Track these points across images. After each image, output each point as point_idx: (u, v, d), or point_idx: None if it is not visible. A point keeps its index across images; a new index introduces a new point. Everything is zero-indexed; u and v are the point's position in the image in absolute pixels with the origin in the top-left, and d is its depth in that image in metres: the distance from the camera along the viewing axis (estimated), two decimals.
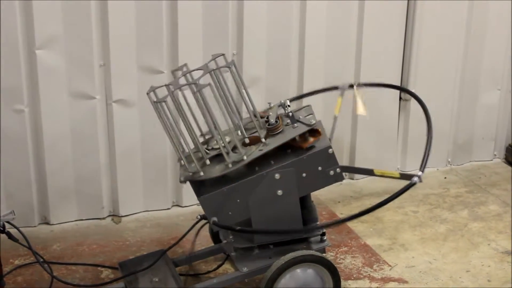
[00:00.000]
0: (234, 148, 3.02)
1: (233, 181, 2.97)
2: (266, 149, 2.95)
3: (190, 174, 2.99)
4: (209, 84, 2.87)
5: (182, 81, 3.07)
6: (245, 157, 2.92)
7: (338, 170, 3.02)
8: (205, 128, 3.21)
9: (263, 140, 2.96)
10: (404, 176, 2.92)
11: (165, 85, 2.99)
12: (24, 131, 3.80)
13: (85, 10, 3.72)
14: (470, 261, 3.64)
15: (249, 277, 3.10)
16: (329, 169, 3.01)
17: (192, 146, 3.07)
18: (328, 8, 4.25)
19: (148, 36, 3.88)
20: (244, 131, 3.04)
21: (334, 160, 3.01)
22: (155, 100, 2.95)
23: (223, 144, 2.94)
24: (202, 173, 2.97)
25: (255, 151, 2.96)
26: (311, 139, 3.04)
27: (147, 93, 3.01)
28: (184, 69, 3.13)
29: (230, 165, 2.93)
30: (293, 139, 3.01)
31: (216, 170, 2.97)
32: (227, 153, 2.94)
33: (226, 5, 4.00)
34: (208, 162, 3.02)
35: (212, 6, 3.96)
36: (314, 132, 3.07)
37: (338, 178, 3.04)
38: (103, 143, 3.99)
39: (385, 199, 2.86)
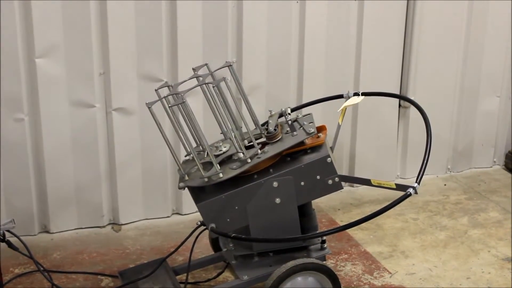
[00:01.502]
0: (231, 156, 3.04)
1: (232, 188, 2.98)
2: (264, 156, 2.96)
3: (205, 179, 3.00)
4: (183, 102, 2.88)
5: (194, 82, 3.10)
6: (221, 175, 2.92)
7: (336, 179, 3.02)
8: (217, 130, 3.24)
9: (248, 161, 2.95)
10: (400, 187, 2.93)
11: (168, 86, 3.00)
12: (24, 139, 3.80)
13: (84, 18, 3.73)
14: (470, 268, 3.64)
15: (249, 285, 3.09)
16: (327, 178, 3.01)
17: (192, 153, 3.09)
18: (328, 15, 4.26)
19: (147, 44, 3.89)
20: (239, 143, 3.02)
21: (332, 169, 3.01)
22: (155, 100, 2.97)
23: (197, 163, 2.96)
24: (187, 178, 3.00)
25: (254, 159, 2.95)
26: (322, 135, 3.07)
27: (156, 89, 3.03)
28: (202, 70, 3.15)
29: (205, 179, 2.94)
30: (302, 142, 3.02)
31: (229, 171, 2.96)
32: (231, 156, 2.97)
33: (226, 13, 4.01)
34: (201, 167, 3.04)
35: (212, 14, 3.97)
36: (320, 129, 3.12)
37: (336, 187, 3.04)
38: (103, 152, 3.99)
39: (378, 210, 2.85)
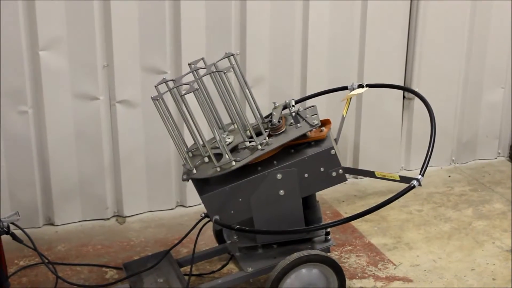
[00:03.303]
0: (236, 148, 3.03)
1: (236, 180, 2.98)
2: (268, 148, 2.95)
3: (186, 170, 3.00)
4: (197, 89, 2.88)
5: (191, 77, 3.08)
6: (233, 163, 2.92)
7: (340, 171, 3.01)
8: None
9: (259, 147, 2.96)
10: (404, 179, 2.92)
11: (172, 80, 2.99)
12: (28, 132, 3.80)
13: (88, 11, 3.73)
14: (474, 260, 3.63)
15: (253, 277, 3.10)
16: (331, 170, 3.01)
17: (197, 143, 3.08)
18: (331, 8, 4.25)
19: (151, 36, 3.88)
20: (243, 134, 3.03)
21: (336, 161, 3.00)
22: (158, 94, 2.96)
23: (208, 151, 2.95)
24: (194, 171, 2.99)
25: (258, 151, 2.95)
26: (325, 129, 3.06)
27: (155, 86, 3.01)
28: (200, 63, 3.13)
29: (218, 169, 2.93)
30: (304, 135, 3.01)
31: (210, 171, 2.97)
32: (219, 155, 2.96)
33: (229, 5, 4.00)
34: (206, 160, 3.03)
35: (215, 7, 3.96)
36: (325, 122, 3.11)
37: (340, 179, 3.03)
38: (107, 144, 3.99)
39: (382, 202, 2.84)
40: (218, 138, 2.94)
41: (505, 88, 4.90)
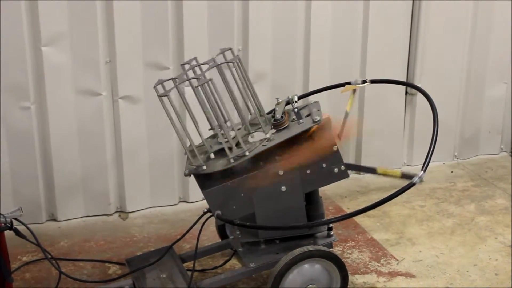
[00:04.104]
0: (238, 144, 3.03)
1: (238, 175, 2.98)
2: (270, 144, 2.95)
3: (194, 167, 3.00)
4: (211, 80, 2.87)
5: (190, 75, 3.07)
6: (247, 153, 2.92)
7: (342, 167, 3.01)
8: (213, 122, 3.21)
9: (267, 136, 2.96)
10: (405, 176, 2.92)
11: (172, 79, 2.98)
12: (30, 128, 3.81)
13: (90, 6, 3.73)
14: (477, 255, 3.63)
15: (256, 273, 3.10)
16: (333, 166, 3.01)
17: (199, 140, 3.08)
18: (334, 3, 4.25)
19: (153, 32, 3.88)
20: (249, 126, 3.04)
21: (338, 158, 3.00)
22: (160, 93, 2.95)
23: (226, 139, 2.94)
24: (205, 167, 2.98)
25: (259, 146, 2.96)
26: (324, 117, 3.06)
27: (154, 86, 3.00)
28: (193, 62, 3.13)
29: (232, 160, 2.93)
30: (307, 131, 3.01)
31: (219, 164, 2.97)
32: (230, 148, 2.95)
33: (232, 1, 4.00)
34: (212, 156, 3.03)
35: (218, 2, 3.96)
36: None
37: (342, 175, 3.03)
38: (110, 140, 3.99)
39: (384, 198, 2.84)
40: (203, 138, 2.95)
41: (507, 83, 4.89)
